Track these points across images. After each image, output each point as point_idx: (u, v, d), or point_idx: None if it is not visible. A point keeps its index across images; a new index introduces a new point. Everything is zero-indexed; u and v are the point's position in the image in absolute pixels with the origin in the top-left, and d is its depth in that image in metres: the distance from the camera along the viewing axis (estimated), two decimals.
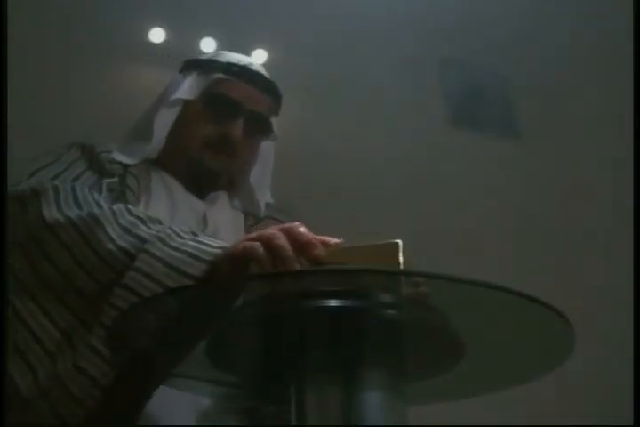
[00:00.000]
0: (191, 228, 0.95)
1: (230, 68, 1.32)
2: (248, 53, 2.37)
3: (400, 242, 0.73)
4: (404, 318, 0.71)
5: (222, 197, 1.33)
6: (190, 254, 0.84)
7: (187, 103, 1.32)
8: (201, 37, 2.38)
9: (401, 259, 0.71)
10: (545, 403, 2.02)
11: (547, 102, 2.75)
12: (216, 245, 0.86)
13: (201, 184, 1.31)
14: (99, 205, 0.98)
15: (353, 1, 2.62)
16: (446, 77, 2.74)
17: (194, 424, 1.04)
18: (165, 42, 2.37)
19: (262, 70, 1.37)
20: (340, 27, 2.48)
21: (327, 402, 0.71)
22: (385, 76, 2.51)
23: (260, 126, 1.33)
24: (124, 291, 0.84)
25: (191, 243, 0.86)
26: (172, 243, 0.87)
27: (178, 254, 0.84)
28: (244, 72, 1.32)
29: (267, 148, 1.40)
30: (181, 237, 0.88)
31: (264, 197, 1.39)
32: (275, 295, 0.72)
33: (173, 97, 1.31)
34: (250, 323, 0.75)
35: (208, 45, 2.37)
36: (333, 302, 0.68)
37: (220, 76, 1.31)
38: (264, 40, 2.43)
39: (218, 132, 1.28)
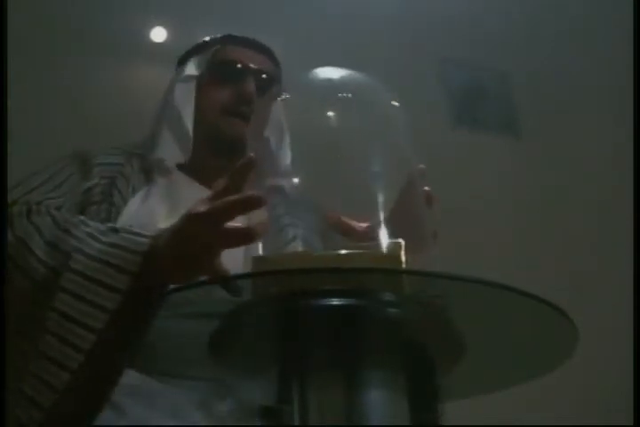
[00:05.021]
0: None
1: (225, 38, 1.37)
2: None
3: (402, 241, 0.73)
4: (407, 316, 0.71)
5: None
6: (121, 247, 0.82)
7: (197, 81, 1.32)
8: (203, 37, 2.37)
9: (403, 258, 0.71)
10: (545, 403, 2.03)
11: (546, 102, 2.75)
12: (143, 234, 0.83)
13: (222, 160, 1.26)
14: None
15: (354, 0, 2.62)
16: (446, 76, 2.74)
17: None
18: (167, 41, 2.37)
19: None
20: (340, 26, 2.48)
21: (329, 401, 0.71)
22: (385, 75, 2.51)
23: (269, 85, 1.33)
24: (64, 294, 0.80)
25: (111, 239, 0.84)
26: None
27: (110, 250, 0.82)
28: (239, 38, 1.36)
29: (276, 111, 1.39)
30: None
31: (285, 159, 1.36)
32: (276, 294, 0.72)
33: (184, 75, 1.32)
34: (251, 322, 0.74)
35: None
36: (336, 301, 0.68)
37: (218, 46, 1.35)
38: (266, 39, 2.43)
39: (232, 94, 1.29)
